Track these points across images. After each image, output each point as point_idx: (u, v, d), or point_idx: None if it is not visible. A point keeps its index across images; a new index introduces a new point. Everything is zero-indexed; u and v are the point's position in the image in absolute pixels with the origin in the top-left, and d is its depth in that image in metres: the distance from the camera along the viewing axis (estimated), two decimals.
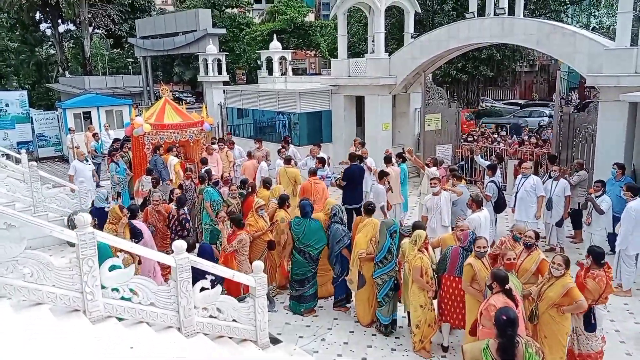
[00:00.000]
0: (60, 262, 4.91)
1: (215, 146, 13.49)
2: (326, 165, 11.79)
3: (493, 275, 5.21)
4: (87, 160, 12.17)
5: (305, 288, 7.77)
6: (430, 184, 9.19)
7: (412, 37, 16.74)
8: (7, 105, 21.98)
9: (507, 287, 5.08)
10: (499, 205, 10.00)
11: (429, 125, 15.54)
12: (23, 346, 4.06)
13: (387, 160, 11.03)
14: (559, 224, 10.07)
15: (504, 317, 3.98)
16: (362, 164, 11.09)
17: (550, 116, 22.28)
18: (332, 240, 7.64)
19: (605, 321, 7.23)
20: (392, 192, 10.39)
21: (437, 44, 14.86)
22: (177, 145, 12.81)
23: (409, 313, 6.89)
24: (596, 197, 8.87)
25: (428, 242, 6.76)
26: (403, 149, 11.46)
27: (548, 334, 5.63)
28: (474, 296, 6.00)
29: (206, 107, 15.37)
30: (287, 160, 11.27)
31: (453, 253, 6.49)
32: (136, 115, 13.49)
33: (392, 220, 7.66)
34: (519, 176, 10.14)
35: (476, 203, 8.17)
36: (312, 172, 10.28)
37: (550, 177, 10.22)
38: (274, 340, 6.51)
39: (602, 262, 5.88)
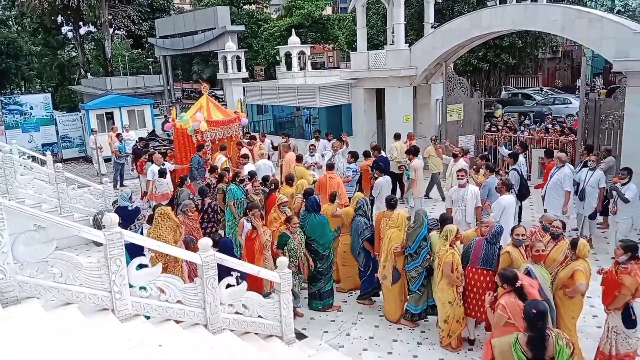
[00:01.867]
0: (88, 262, 4.97)
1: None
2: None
3: (501, 276, 5.20)
4: (164, 164, 11.96)
5: (320, 284, 7.74)
6: (457, 175, 9.06)
7: (432, 27, 16.53)
8: (31, 108, 22.41)
9: (517, 284, 5.02)
10: (522, 193, 9.82)
11: (450, 115, 15.34)
12: (53, 344, 4.12)
13: (412, 152, 10.97)
14: (592, 216, 9.72)
15: (534, 311, 3.92)
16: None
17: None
18: (354, 232, 7.66)
19: None
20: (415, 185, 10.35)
21: (459, 33, 14.63)
22: (214, 141, 12.88)
23: (436, 307, 6.83)
24: (622, 185, 8.64)
25: (460, 236, 6.63)
26: (413, 146, 11.35)
27: (559, 315, 5.61)
28: None
29: (241, 103, 15.44)
30: (299, 158, 11.24)
31: (476, 244, 6.40)
32: (178, 114, 13.64)
33: (425, 210, 7.63)
34: (554, 167, 9.80)
35: (506, 186, 8.33)
36: (329, 167, 10.27)
37: (585, 166, 9.85)
38: (300, 336, 6.51)
39: (638, 255, 5.64)
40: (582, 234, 9.77)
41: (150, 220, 7.69)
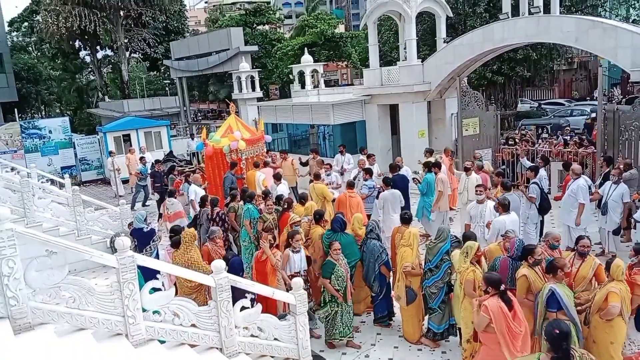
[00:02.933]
0: (101, 287, 4.93)
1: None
2: (373, 177, 11.58)
3: (486, 279, 5.30)
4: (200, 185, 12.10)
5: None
6: (476, 191, 8.88)
7: (444, 42, 16.49)
8: (50, 132, 22.76)
9: (501, 288, 5.15)
10: (543, 208, 9.61)
11: (466, 130, 15.20)
12: None
13: (436, 165, 11.00)
14: (616, 232, 9.43)
15: (557, 331, 3.76)
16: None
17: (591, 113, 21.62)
18: (368, 257, 7.39)
19: None
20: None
21: (471, 47, 14.57)
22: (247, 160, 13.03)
23: (459, 328, 6.65)
24: None
25: (481, 254, 6.46)
26: (429, 162, 11.29)
27: (597, 340, 5.41)
28: (530, 309, 5.72)
29: (262, 122, 15.64)
30: (317, 176, 11.15)
31: (502, 265, 6.19)
32: (208, 134, 13.86)
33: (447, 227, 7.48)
34: (570, 180, 9.61)
35: (502, 206, 8.01)
36: (349, 185, 10.17)
37: (607, 179, 9.63)
38: (317, 358, 6.38)
39: None
40: (607, 250, 9.49)
41: (175, 244, 7.56)
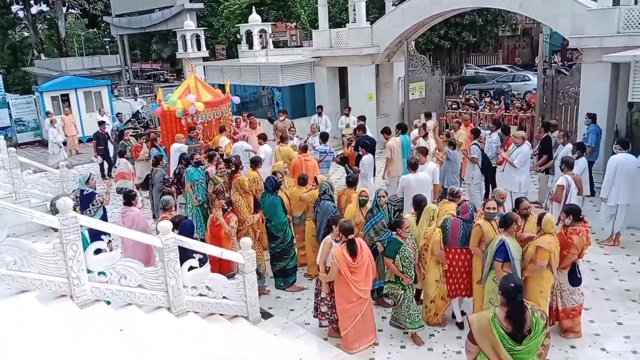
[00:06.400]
0: (44, 248, 4.82)
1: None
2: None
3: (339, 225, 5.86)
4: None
5: (283, 263, 7.69)
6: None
7: (393, 5, 16.48)
8: None
9: (350, 237, 5.70)
10: (485, 167, 9.99)
11: (413, 94, 15.44)
12: (11, 334, 4.00)
13: (386, 131, 10.96)
14: None
15: (512, 285, 3.93)
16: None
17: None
18: (321, 217, 7.41)
19: (591, 279, 7.44)
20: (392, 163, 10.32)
21: (419, 11, 14.64)
22: (204, 123, 12.44)
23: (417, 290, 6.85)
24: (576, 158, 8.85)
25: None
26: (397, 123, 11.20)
27: (528, 289, 5.69)
28: (480, 258, 6.05)
29: (227, 82, 14.63)
30: (282, 139, 10.91)
31: (453, 225, 6.38)
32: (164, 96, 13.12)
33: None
34: (512, 145, 9.88)
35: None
36: (302, 149, 10.01)
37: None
38: (266, 315, 6.52)
39: (581, 217, 6.07)
40: (547, 207, 9.99)
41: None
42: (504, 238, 5.68)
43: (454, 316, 6.63)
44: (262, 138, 11.10)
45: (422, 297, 6.78)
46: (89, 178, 8.22)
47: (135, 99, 24.32)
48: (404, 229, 6.12)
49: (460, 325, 6.50)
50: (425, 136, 10.88)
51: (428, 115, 13.25)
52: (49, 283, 4.71)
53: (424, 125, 11.46)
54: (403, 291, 6.13)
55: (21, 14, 41.42)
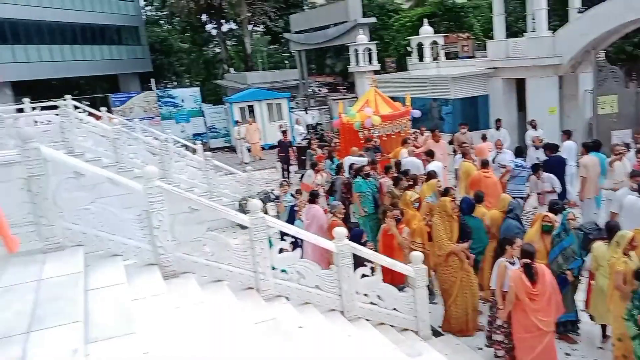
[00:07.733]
0: (236, 244, 5.34)
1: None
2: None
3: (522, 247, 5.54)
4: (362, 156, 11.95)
5: None
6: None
7: (579, 12, 15.15)
8: (182, 101, 24.58)
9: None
10: None
11: (602, 108, 13.99)
12: (212, 318, 4.41)
13: (587, 147, 9.66)
14: None
15: None
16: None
17: None
18: (503, 236, 6.87)
19: None
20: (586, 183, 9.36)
21: (610, 18, 13.23)
22: (382, 137, 12.32)
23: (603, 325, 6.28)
24: None
25: (637, 245, 5.74)
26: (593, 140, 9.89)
27: None
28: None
29: (408, 96, 14.53)
30: (465, 154, 10.49)
31: None
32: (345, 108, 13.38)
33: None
34: None
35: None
36: (483, 164, 9.46)
37: None
38: (436, 333, 6.38)
39: None
40: None
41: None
42: None
43: None
44: (430, 155, 10.61)
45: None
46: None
47: (306, 112, 25.70)
48: None
49: None
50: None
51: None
52: (240, 275, 5.20)
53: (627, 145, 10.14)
54: None
55: (214, 32, 46.72)
